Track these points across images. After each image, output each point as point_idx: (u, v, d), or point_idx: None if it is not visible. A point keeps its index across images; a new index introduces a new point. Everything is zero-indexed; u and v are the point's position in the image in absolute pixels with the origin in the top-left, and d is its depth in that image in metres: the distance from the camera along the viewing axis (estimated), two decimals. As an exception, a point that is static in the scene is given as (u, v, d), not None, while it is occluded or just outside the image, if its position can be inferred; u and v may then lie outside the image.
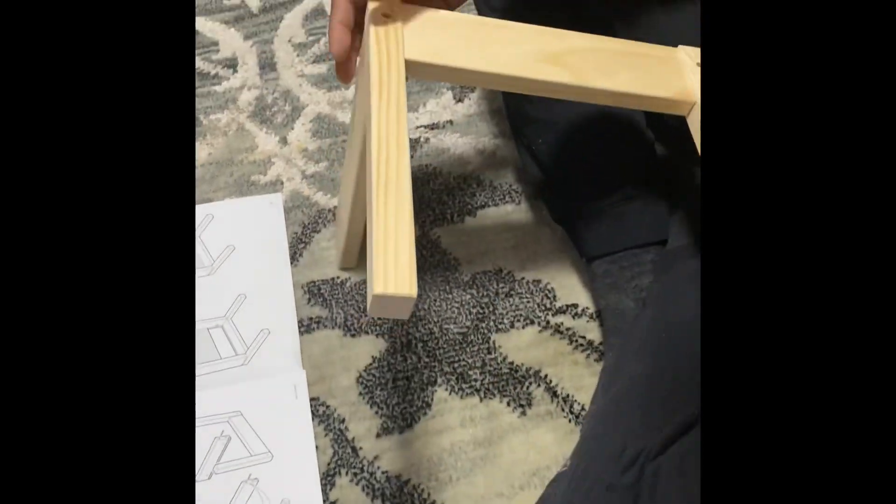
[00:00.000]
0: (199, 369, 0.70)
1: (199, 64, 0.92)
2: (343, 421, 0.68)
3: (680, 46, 0.57)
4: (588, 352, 0.71)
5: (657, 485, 0.44)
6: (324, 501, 0.64)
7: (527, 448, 0.67)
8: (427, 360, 0.71)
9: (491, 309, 0.74)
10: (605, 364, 0.67)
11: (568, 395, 0.69)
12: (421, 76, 0.51)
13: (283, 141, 0.86)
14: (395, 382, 0.70)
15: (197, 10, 0.97)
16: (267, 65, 0.92)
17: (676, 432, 0.46)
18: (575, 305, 0.74)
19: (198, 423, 0.67)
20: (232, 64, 0.92)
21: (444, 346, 0.72)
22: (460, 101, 0.89)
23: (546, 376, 0.70)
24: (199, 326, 0.72)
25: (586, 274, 0.75)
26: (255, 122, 0.87)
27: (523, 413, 0.69)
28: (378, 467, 0.66)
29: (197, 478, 0.65)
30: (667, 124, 0.73)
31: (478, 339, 0.72)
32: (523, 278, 0.76)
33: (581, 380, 0.70)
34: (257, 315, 0.73)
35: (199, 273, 0.75)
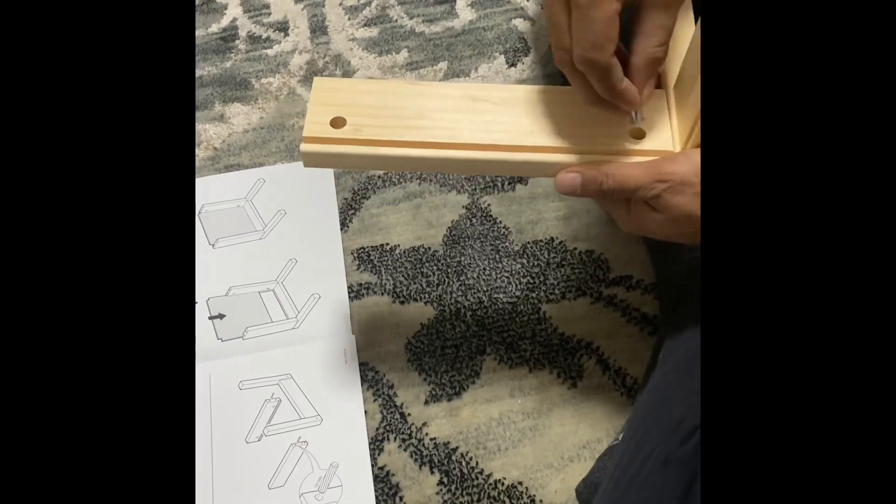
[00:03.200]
0: (251, 332, 0.70)
1: (251, 27, 0.92)
2: (392, 387, 0.68)
3: None
4: (642, 325, 0.70)
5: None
6: (372, 466, 0.64)
7: (577, 420, 0.66)
8: (476, 328, 0.71)
9: (542, 279, 0.73)
10: (661, 337, 0.66)
11: (620, 368, 0.68)
12: None
13: (334, 106, 0.85)
14: (444, 350, 0.70)
15: (248, -28, 0.96)
16: (318, 28, 0.91)
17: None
18: (629, 277, 0.72)
19: (249, 384, 0.68)
20: (283, 27, 0.91)
21: (494, 315, 0.71)
22: (513, 65, 0.87)
23: (598, 348, 0.69)
24: (250, 290, 0.72)
25: (641, 245, 0.73)
26: (306, 86, 0.87)
27: (574, 385, 0.68)
28: (426, 434, 0.66)
29: (247, 439, 0.65)
30: None
31: (528, 308, 0.72)
32: (575, 248, 0.75)
33: (634, 353, 0.68)
34: (308, 279, 0.73)
35: (251, 237, 0.76)
